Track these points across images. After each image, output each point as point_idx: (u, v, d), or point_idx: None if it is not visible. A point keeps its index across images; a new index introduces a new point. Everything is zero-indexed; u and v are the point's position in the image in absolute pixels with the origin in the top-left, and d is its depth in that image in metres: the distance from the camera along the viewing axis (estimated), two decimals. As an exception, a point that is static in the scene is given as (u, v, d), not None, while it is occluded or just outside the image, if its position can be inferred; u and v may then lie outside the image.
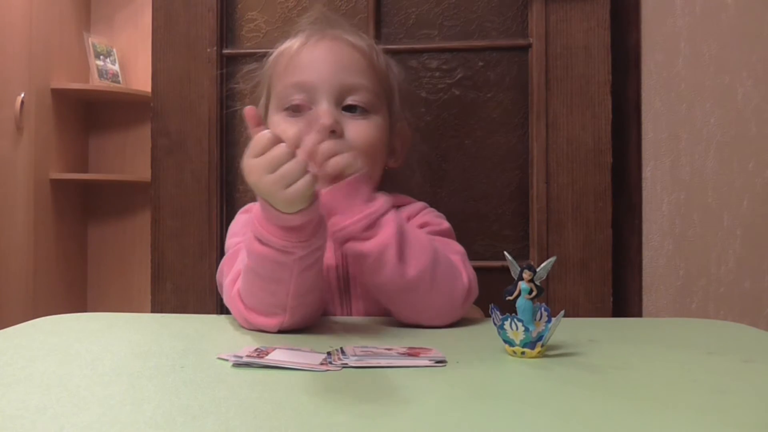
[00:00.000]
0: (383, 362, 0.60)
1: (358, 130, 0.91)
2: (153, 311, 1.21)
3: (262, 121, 0.76)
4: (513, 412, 0.48)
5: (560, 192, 1.16)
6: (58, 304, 2.75)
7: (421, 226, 0.91)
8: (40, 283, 2.67)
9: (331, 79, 0.91)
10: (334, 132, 0.88)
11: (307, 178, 0.70)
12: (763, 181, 1.18)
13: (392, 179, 1.00)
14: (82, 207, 3.04)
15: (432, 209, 0.99)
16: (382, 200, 0.82)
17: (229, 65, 1.23)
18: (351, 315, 0.90)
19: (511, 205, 1.20)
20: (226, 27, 1.23)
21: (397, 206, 0.97)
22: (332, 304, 0.90)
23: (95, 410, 0.47)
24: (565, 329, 0.70)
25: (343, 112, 0.92)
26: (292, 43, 0.97)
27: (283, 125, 0.92)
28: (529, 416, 0.47)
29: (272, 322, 0.76)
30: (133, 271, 3.01)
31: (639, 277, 1.19)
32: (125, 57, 3.08)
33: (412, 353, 0.63)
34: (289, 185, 0.69)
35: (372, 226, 0.79)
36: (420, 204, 0.99)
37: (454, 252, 0.87)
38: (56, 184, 2.78)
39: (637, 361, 0.63)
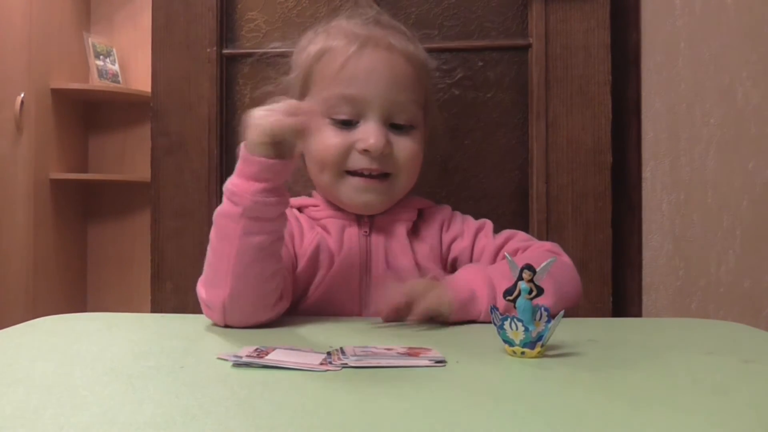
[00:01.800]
0: (383, 362, 0.60)
1: (404, 147, 0.93)
2: (153, 311, 1.21)
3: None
4: (512, 412, 0.48)
5: (560, 192, 1.16)
6: (58, 304, 2.75)
7: (476, 233, 0.97)
8: (40, 283, 2.67)
9: (384, 96, 0.91)
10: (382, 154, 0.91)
11: (276, 119, 0.75)
12: (763, 181, 1.18)
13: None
14: (82, 207, 3.04)
15: (457, 213, 1.01)
16: (478, 295, 0.83)
17: (229, 65, 1.23)
18: (369, 315, 0.91)
19: (511, 205, 1.20)
20: (226, 27, 1.23)
21: (420, 209, 0.98)
22: (350, 300, 0.91)
23: (95, 410, 0.47)
24: (565, 329, 0.70)
25: (391, 128, 0.93)
26: (344, 46, 0.93)
27: (328, 134, 0.92)
28: (528, 416, 0.47)
29: (215, 296, 0.77)
30: (133, 271, 3.01)
31: (639, 277, 1.19)
32: (125, 57, 3.08)
33: (412, 353, 0.63)
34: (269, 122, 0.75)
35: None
36: (446, 208, 1.01)
37: (523, 240, 0.95)
38: (56, 184, 2.78)
39: (636, 361, 0.63)
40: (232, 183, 0.78)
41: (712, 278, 1.18)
